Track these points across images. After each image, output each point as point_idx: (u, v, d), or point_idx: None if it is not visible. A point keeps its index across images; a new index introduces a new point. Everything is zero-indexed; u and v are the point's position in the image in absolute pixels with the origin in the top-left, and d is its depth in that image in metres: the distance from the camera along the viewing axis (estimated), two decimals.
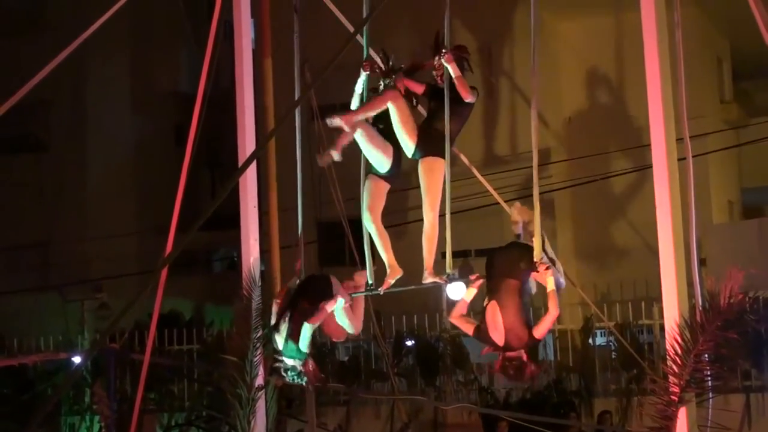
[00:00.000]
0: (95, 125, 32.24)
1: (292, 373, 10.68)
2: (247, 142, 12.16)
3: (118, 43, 31.11)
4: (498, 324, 9.54)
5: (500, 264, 9.75)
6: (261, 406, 11.75)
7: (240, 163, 11.82)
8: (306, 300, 10.70)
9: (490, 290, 9.71)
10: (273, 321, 10.92)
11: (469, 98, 10.09)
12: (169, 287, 13.13)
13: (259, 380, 11.69)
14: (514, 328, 9.50)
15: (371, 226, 10.50)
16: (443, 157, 10.07)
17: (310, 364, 10.69)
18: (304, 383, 10.87)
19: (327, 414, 20.20)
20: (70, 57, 12.44)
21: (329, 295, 10.61)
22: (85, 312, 25.26)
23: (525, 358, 9.64)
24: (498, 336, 9.55)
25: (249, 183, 12.05)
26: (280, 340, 10.69)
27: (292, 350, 10.58)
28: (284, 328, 10.64)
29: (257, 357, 11.62)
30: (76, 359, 20.06)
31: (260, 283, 11.79)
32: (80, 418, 22.41)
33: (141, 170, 32.49)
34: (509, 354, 9.59)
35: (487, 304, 9.68)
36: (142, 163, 32.63)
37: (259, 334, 11.59)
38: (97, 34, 12.52)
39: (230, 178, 10.53)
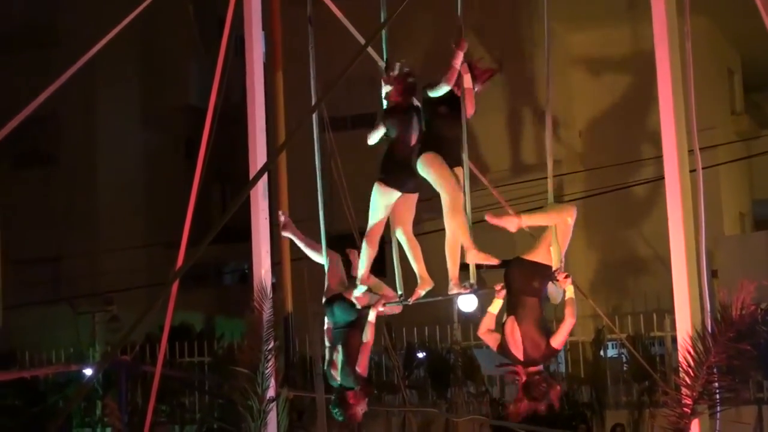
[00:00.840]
0: (105, 139, 32.32)
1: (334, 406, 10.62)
2: (258, 155, 12.17)
3: (128, 57, 31.22)
4: (517, 338, 9.44)
5: (515, 281, 9.62)
6: (272, 418, 11.74)
7: (251, 176, 11.83)
8: (349, 325, 10.62)
9: (509, 306, 9.63)
10: (327, 358, 10.80)
11: (472, 111, 10.13)
12: (180, 300, 13.14)
13: (271, 392, 11.68)
14: (532, 338, 9.41)
15: (402, 236, 10.47)
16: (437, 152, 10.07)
17: (358, 397, 10.56)
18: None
19: (338, 426, 20.18)
20: (81, 71, 12.45)
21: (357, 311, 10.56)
22: (96, 325, 25.31)
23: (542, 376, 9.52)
24: (518, 351, 9.47)
25: (260, 195, 12.04)
26: (335, 372, 10.59)
27: (349, 378, 10.51)
28: (339, 357, 10.56)
29: (268, 369, 11.60)
30: (88, 372, 20.09)
31: (271, 296, 11.78)
32: (91, 431, 22.44)
33: (151, 184, 32.56)
34: (531, 369, 9.45)
35: (505, 321, 9.60)
36: (152, 176, 32.69)
37: (270, 346, 11.57)
38: (107, 48, 12.56)
39: (241, 190, 10.50)
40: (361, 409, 10.50)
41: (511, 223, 9.60)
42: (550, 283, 9.57)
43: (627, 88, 26.48)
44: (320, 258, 11.04)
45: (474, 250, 9.93)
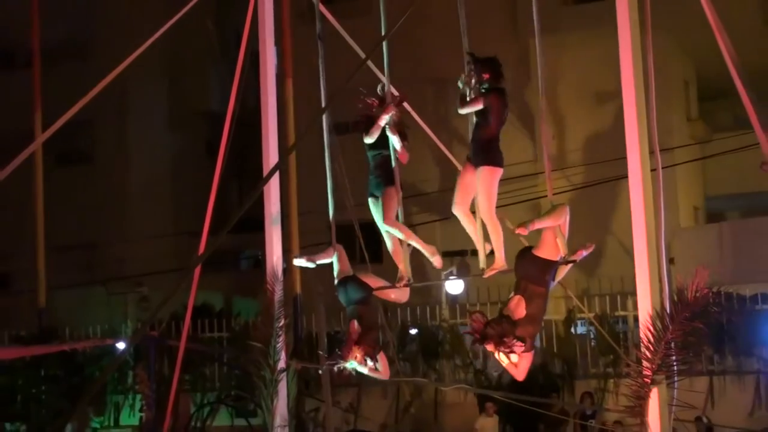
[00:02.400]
0: (136, 141, 32.29)
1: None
2: (271, 155, 12.15)
3: (156, 68, 31.17)
4: (519, 313, 9.34)
5: (527, 272, 9.50)
6: (283, 386, 11.74)
7: (264, 174, 11.82)
8: (360, 302, 10.61)
9: (517, 288, 9.51)
10: None
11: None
12: (201, 282, 13.12)
13: (281, 364, 11.67)
14: (534, 322, 9.34)
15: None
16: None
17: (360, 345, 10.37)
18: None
19: (340, 394, 20.19)
20: (114, 80, 12.44)
21: (368, 290, 10.55)
22: (127, 304, 25.31)
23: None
24: (512, 312, 9.38)
25: (272, 191, 12.03)
26: None
27: None
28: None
29: (279, 343, 11.60)
30: (120, 345, 20.10)
31: (282, 279, 11.78)
32: (124, 397, 22.47)
33: (176, 180, 32.52)
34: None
35: (512, 296, 9.53)
36: (177, 174, 32.66)
37: (281, 323, 11.57)
38: (137, 60, 12.53)
39: (256, 186, 10.49)
40: (356, 353, 10.29)
41: (527, 231, 9.51)
42: None
43: (594, 97, 26.46)
44: (329, 258, 10.98)
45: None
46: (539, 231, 9.62)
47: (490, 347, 9.27)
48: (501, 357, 9.34)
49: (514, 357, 9.33)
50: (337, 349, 10.40)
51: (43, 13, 24.26)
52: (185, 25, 13.74)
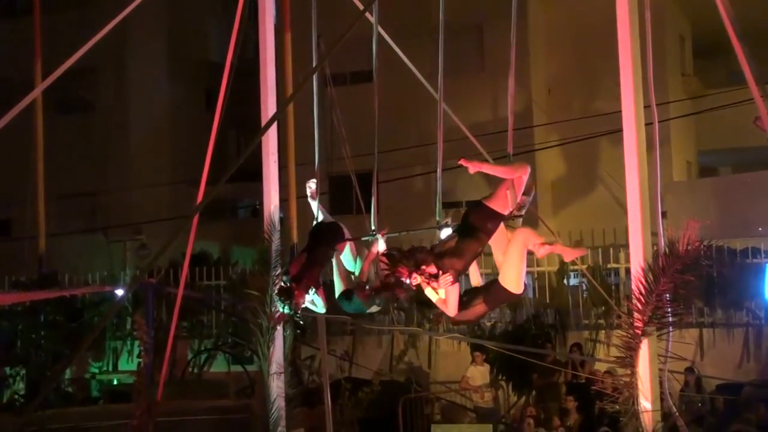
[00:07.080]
0: (136, 89, 32.14)
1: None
2: (269, 106, 12.11)
3: (156, 16, 30.98)
4: (451, 242, 9.42)
5: (475, 220, 9.42)
6: (279, 334, 11.77)
7: (263, 124, 11.78)
8: (323, 242, 10.57)
9: (460, 231, 9.47)
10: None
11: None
12: (199, 231, 13.12)
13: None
14: (460, 255, 9.29)
15: None
16: None
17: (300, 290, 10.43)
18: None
19: (336, 342, 20.27)
20: (114, 28, 12.34)
21: (342, 237, 10.53)
22: (126, 251, 25.34)
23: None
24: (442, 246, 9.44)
25: (270, 141, 12.00)
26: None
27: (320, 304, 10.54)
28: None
29: (276, 292, 11.61)
30: (119, 292, 20.14)
31: (279, 228, 11.77)
32: (122, 343, 22.59)
33: (176, 129, 32.43)
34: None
35: (451, 238, 9.53)
36: (176, 123, 32.56)
37: (277, 272, 11.57)
38: (138, 9, 12.44)
39: (254, 136, 10.46)
40: (300, 297, 10.32)
41: (473, 168, 9.45)
42: None
43: (590, 52, 26.35)
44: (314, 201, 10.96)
45: None
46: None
47: (406, 277, 9.29)
48: (430, 293, 9.36)
49: (441, 292, 9.35)
50: (279, 296, 10.44)
51: None
52: None
